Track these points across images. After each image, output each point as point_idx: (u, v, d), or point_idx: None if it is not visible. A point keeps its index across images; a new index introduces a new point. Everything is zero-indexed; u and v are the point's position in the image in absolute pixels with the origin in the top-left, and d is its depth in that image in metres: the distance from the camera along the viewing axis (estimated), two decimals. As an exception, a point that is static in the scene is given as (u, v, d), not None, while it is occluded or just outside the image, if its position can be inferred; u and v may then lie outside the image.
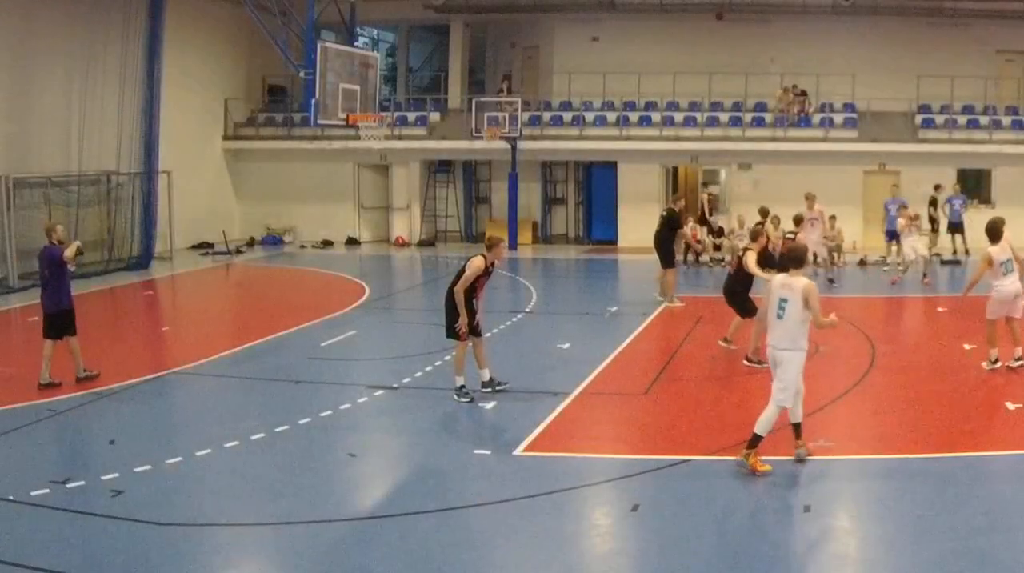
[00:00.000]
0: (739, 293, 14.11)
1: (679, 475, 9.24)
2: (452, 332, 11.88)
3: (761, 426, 9.09)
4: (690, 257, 25.64)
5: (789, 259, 9.43)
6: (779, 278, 9.40)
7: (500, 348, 14.94)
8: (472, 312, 11.77)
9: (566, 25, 30.83)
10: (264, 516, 8.38)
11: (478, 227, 31.60)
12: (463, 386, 11.89)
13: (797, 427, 9.40)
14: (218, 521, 8.24)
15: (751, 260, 13.63)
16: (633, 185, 28.83)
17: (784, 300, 9.15)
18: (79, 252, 12.65)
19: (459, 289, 11.66)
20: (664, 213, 19.22)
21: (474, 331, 11.92)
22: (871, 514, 8.34)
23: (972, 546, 7.45)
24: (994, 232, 12.74)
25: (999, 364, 12.79)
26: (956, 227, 25.55)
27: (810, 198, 20.86)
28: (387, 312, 19.03)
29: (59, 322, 12.52)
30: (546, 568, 7.47)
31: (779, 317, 9.20)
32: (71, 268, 12.66)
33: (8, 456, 9.89)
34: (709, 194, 28.42)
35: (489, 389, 12.02)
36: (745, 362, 13.62)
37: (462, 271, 11.78)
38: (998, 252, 12.65)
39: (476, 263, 11.70)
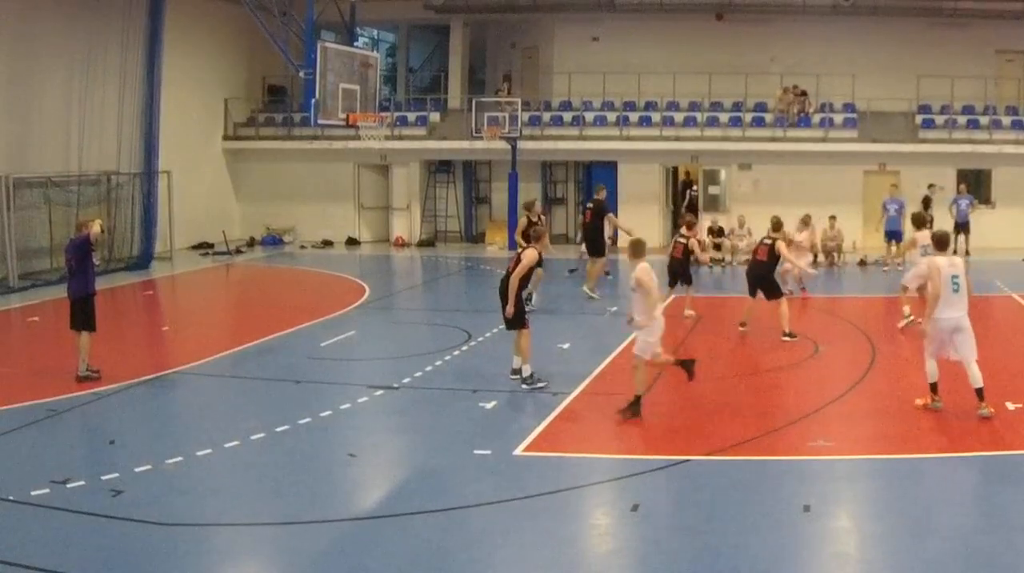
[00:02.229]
0: (768, 277, 15.44)
1: (679, 475, 9.24)
2: (517, 322, 12.44)
3: (978, 378, 10.58)
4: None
5: (938, 244, 11.21)
6: (944, 260, 10.80)
7: (501, 348, 14.93)
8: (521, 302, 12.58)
9: (566, 25, 30.82)
10: (264, 516, 8.38)
11: (478, 227, 31.60)
12: (533, 373, 12.38)
13: (980, 391, 10.65)
14: (218, 521, 8.24)
15: (784, 247, 15.47)
16: (633, 185, 28.82)
17: (956, 277, 10.64)
18: (102, 229, 13.30)
19: (516, 277, 12.21)
20: (590, 204, 20.67)
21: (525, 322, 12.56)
22: (871, 514, 8.34)
23: (972, 546, 7.45)
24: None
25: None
26: (962, 227, 25.57)
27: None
28: (387, 312, 19.02)
29: (83, 309, 12.68)
30: (546, 568, 7.46)
31: (955, 291, 10.63)
32: (96, 261, 12.94)
33: (8, 456, 9.89)
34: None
35: (517, 378, 12.48)
36: (785, 338, 14.98)
37: (517, 262, 12.35)
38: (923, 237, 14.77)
39: (532, 254, 12.45)
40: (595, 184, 22.77)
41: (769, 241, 15.56)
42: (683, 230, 17.64)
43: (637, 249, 11.09)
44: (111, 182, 24.08)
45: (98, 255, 13.71)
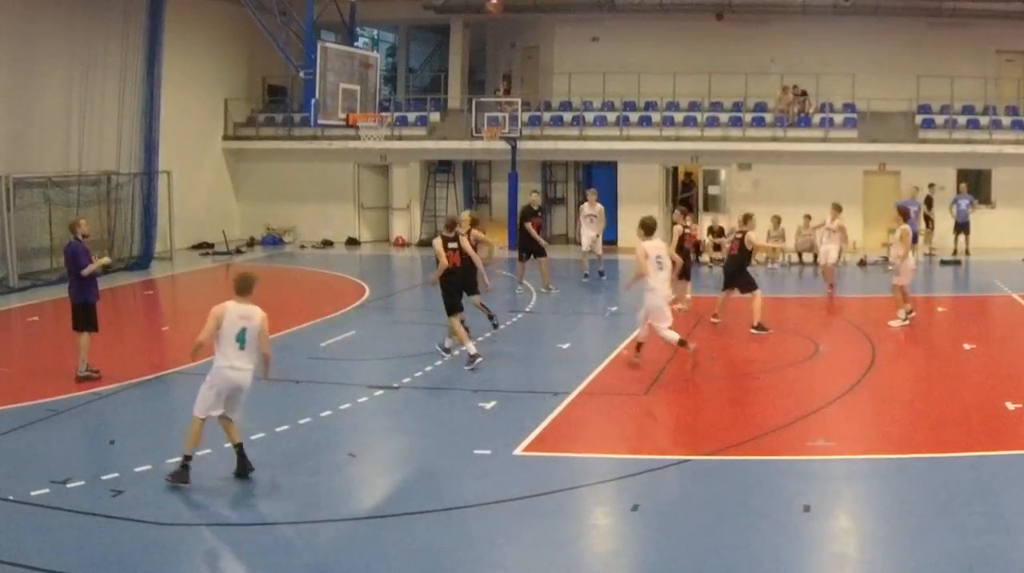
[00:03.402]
0: (742, 271, 15.84)
1: (679, 475, 9.24)
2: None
3: (673, 337, 12.84)
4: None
5: (646, 231, 13.10)
6: (649, 244, 12.89)
7: (500, 348, 14.95)
8: None
9: (566, 25, 30.80)
10: (264, 516, 8.38)
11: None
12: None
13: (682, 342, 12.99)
14: (218, 521, 8.24)
15: (754, 238, 16.04)
16: (633, 185, 28.79)
17: (660, 257, 12.88)
18: (103, 267, 13.09)
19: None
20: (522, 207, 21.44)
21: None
22: (871, 514, 8.35)
23: (972, 546, 7.45)
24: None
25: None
26: (963, 227, 25.59)
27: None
28: (387, 312, 19.01)
29: (80, 314, 12.66)
30: (546, 568, 7.46)
31: (660, 269, 12.85)
32: (83, 273, 12.73)
33: (8, 456, 9.89)
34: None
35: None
36: (753, 331, 15.20)
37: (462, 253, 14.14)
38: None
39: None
40: (532, 192, 22.84)
41: (739, 235, 15.97)
42: (687, 221, 18.05)
43: (242, 286, 9.57)
44: (111, 182, 24.07)
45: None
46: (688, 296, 18.19)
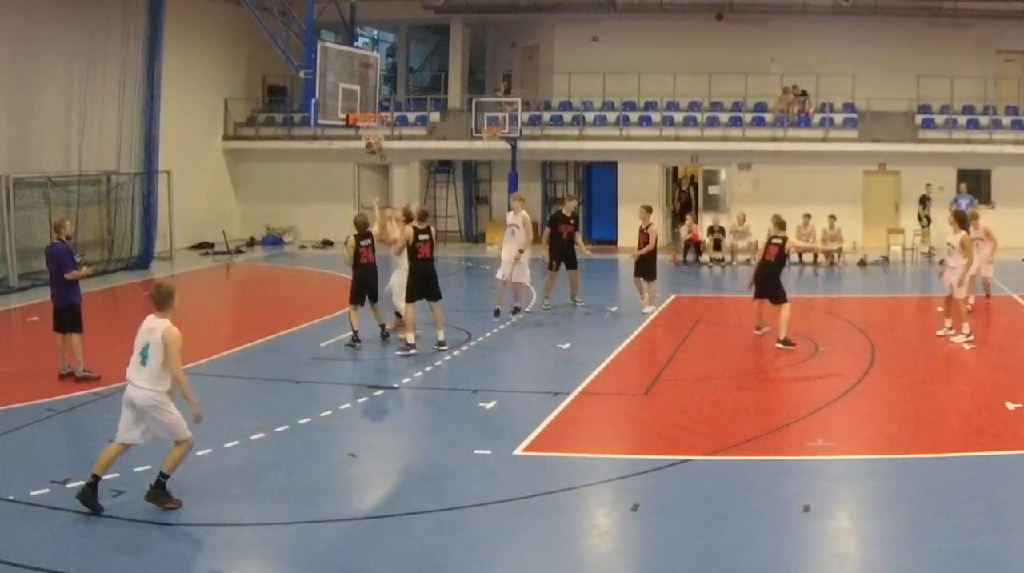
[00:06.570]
0: (776, 279, 14.99)
1: (679, 475, 9.24)
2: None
3: None
4: (690, 256, 25.65)
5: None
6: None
7: (501, 348, 14.95)
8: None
9: (566, 25, 30.82)
10: (264, 516, 8.37)
11: (478, 227, 31.60)
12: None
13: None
14: (218, 521, 8.23)
15: (795, 243, 15.45)
16: (633, 185, 28.79)
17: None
18: (85, 275, 13.02)
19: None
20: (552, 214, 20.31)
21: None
22: (871, 514, 8.34)
23: (972, 546, 7.45)
24: None
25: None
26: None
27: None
28: (386, 312, 18.98)
29: (64, 316, 12.63)
30: (546, 568, 7.46)
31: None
32: (67, 277, 12.70)
33: (8, 456, 9.89)
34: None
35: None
36: (779, 346, 14.47)
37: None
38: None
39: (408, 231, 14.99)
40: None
41: (779, 241, 14.93)
42: (647, 220, 17.66)
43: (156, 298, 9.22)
44: (111, 182, 24.09)
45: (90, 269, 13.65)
46: (649, 297, 17.67)
